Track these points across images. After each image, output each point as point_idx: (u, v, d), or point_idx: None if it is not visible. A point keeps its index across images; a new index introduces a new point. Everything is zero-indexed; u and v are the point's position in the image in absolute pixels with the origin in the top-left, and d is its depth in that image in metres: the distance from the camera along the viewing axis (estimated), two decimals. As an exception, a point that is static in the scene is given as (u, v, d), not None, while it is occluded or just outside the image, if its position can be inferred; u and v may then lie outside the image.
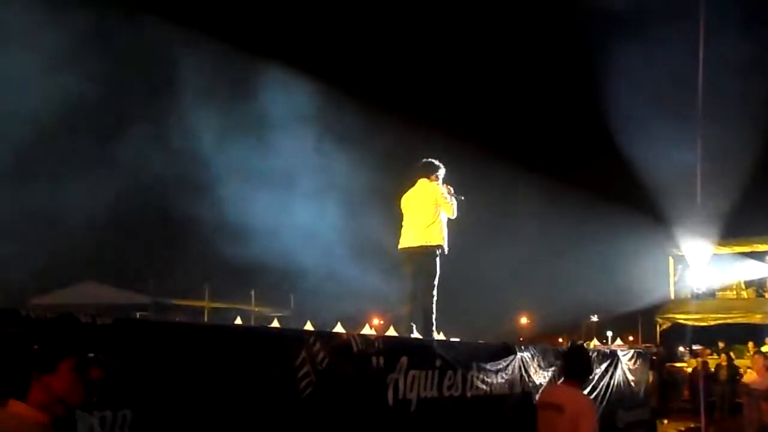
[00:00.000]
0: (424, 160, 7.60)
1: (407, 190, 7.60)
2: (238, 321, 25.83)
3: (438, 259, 7.27)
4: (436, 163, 7.55)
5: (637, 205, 30.66)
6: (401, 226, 7.53)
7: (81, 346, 2.64)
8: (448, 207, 7.29)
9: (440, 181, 7.51)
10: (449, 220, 7.43)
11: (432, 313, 7.25)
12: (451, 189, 7.49)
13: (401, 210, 7.56)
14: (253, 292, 27.63)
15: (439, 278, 7.28)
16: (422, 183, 7.45)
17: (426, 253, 7.22)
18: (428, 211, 7.22)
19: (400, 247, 7.46)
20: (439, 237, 7.26)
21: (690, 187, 26.23)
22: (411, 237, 7.30)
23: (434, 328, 7.29)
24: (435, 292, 7.26)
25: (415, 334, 7.15)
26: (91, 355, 2.69)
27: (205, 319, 24.13)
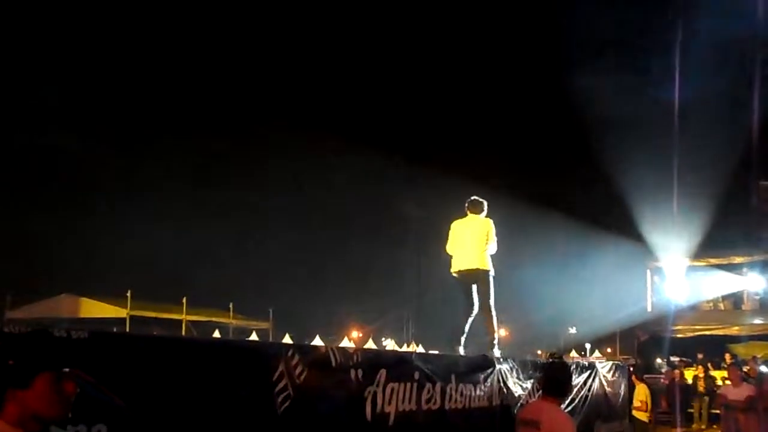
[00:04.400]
0: (473, 197, 8.74)
1: (456, 220, 8.75)
2: (217, 334, 25.67)
3: (492, 281, 8.47)
4: (483, 200, 8.72)
5: (616, 219, 30.92)
6: (451, 251, 8.63)
7: (56, 361, 2.62)
8: (494, 244, 8.55)
9: (485, 215, 8.67)
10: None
11: (495, 327, 8.54)
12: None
13: (451, 236, 8.67)
14: (231, 305, 27.47)
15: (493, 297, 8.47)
16: (475, 217, 8.61)
17: (485, 275, 8.41)
18: (482, 241, 8.43)
19: (456, 269, 8.54)
20: (491, 263, 8.49)
21: (667, 202, 26.57)
22: (469, 260, 8.42)
23: (497, 338, 8.57)
24: (494, 310, 8.47)
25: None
26: (67, 369, 2.66)
27: (183, 332, 23.93)
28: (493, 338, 8.42)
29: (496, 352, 8.14)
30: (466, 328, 8.43)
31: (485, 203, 8.73)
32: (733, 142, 27.41)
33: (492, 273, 8.50)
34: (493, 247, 8.55)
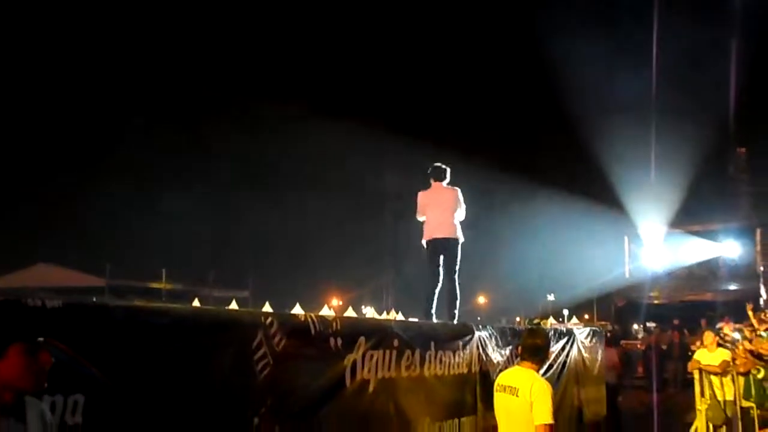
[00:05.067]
0: (435, 164, 8.66)
1: (421, 191, 8.65)
2: (196, 303, 25.65)
3: (460, 250, 8.42)
4: (445, 167, 8.64)
5: (594, 186, 31.08)
6: (422, 221, 8.56)
7: (30, 331, 2.59)
8: (463, 210, 8.52)
9: (447, 181, 8.63)
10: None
11: (458, 296, 8.45)
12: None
13: (419, 208, 8.59)
14: (211, 274, 27.44)
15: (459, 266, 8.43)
16: (439, 186, 8.56)
17: (454, 243, 8.37)
18: (451, 209, 8.39)
19: (426, 238, 8.45)
20: (461, 232, 8.45)
21: (645, 170, 26.76)
22: (439, 229, 8.36)
23: (458, 307, 8.46)
24: (458, 279, 8.41)
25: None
26: (41, 339, 2.63)
27: (162, 302, 23.88)
28: (455, 306, 8.39)
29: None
30: (435, 298, 8.38)
31: (448, 169, 8.65)
32: (710, 110, 27.58)
33: (461, 241, 8.46)
34: (461, 214, 8.52)
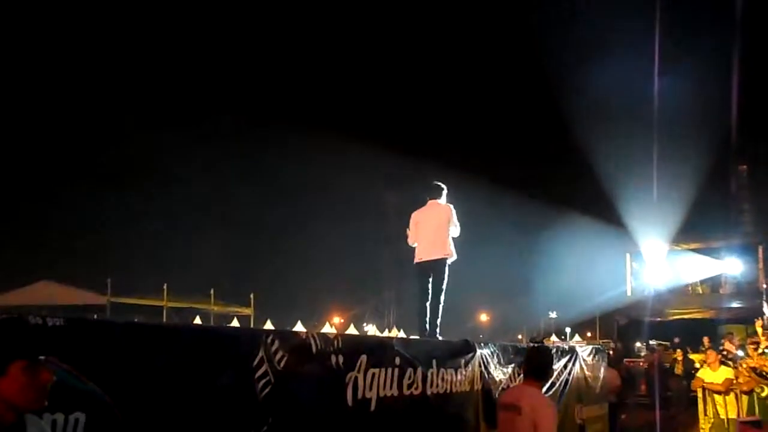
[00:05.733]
0: (434, 182, 8.73)
1: (417, 209, 8.72)
2: (198, 320, 25.60)
3: (448, 268, 8.41)
4: (442, 185, 8.69)
5: (596, 205, 31.12)
6: (413, 241, 8.60)
7: (31, 349, 2.58)
8: (457, 227, 8.49)
9: (444, 199, 8.65)
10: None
11: (439, 315, 8.39)
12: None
13: (412, 226, 8.62)
14: (212, 291, 27.38)
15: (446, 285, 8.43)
16: (434, 204, 8.59)
17: (441, 262, 8.36)
18: (443, 228, 8.36)
19: (417, 260, 8.48)
20: (452, 250, 8.42)
21: (647, 187, 26.77)
22: (429, 251, 8.38)
23: (438, 328, 8.41)
24: (443, 297, 8.38)
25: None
26: (42, 357, 2.63)
27: (164, 319, 23.83)
28: (436, 325, 8.37)
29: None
30: (428, 318, 8.38)
31: (444, 188, 8.69)
32: (712, 128, 27.64)
33: (452, 259, 8.45)
34: (456, 231, 8.51)
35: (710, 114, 27.71)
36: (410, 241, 8.66)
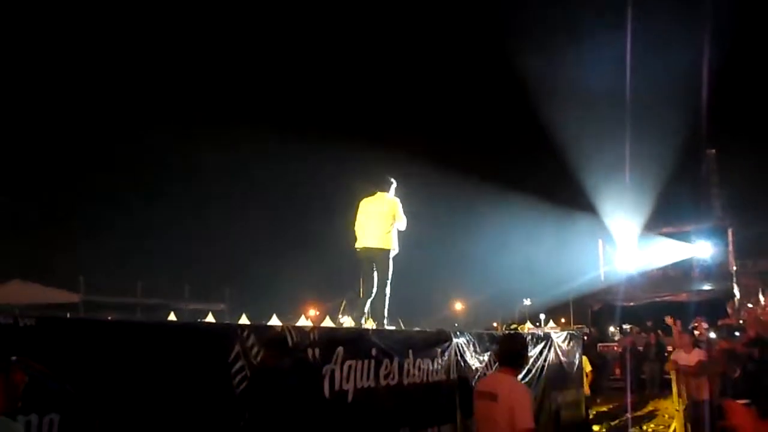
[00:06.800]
0: (385, 175, 8.80)
1: (365, 197, 8.75)
2: (172, 317, 25.43)
3: (391, 261, 8.46)
4: (392, 179, 8.76)
5: (568, 191, 31.31)
6: (357, 228, 8.62)
7: (3, 349, 2.56)
8: (403, 221, 8.56)
9: (393, 193, 8.72)
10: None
11: (386, 305, 8.38)
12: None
13: (358, 214, 8.65)
14: (186, 287, 27.21)
15: (391, 276, 8.46)
16: (382, 195, 8.66)
17: (384, 254, 8.41)
18: (387, 220, 8.44)
19: (359, 246, 8.51)
20: (395, 243, 8.52)
21: (618, 173, 26.99)
22: (371, 239, 8.42)
23: (386, 318, 8.41)
24: (388, 289, 8.39)
25: (367, 324, 8.02)
26: (14, 358, 2.60)
27: (138, 317, 23.65)
28: (383, 318, 8.38)
29: None
30: (366, 308, 8.39)
31: (394, 182, 8.77)
32: (682, 112, 27.91)
33: (394, 253, 8.53)
34: (401, 225, 8.58)
35: (680, 98, 27.99)
36: (355, 227, 8.73)
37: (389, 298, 8.42)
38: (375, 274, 8.37)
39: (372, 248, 8.40)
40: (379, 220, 8.46)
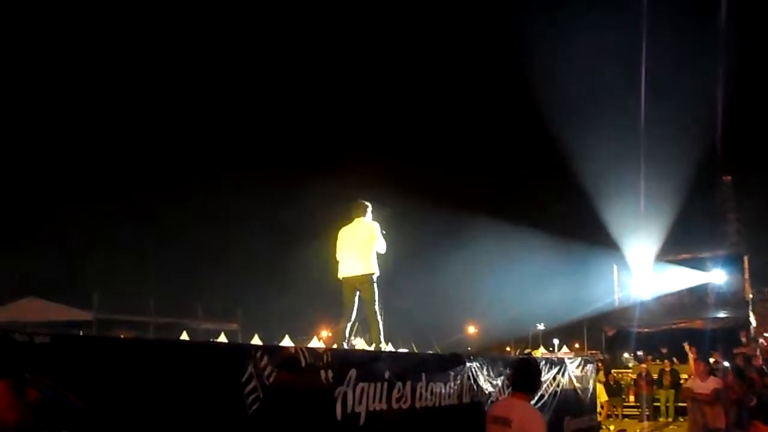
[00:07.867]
0: (358, 200, 8.83)
1: (343, 226, 8.78)
2: (185, 336, 25.44)
3: (376, 284, 8.45)
4: (367, 203, 8.80)
5: (584, 217, 31.26)
6: (338, 257, 8.64)
7: (17, 366, 2.56)
8: (382, 244, 8.57)
9: (370, 217, 8.77)
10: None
11: (380, 329, 8.40)
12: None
13: (338, 242, 8.69)
14: (200, 306, 27.23)
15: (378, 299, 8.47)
16: (359, 221, 8.69)
17: (368, 280, 8.39)
18: (368, 245, 8.47)
19: (341, 275, 8.54)
20: (376, 267, 8.51)
21: (634, 200, 26.94)
22: (352, 267, 8.46)
23: (382, 339, 8.47)
24: (380, 313, 8.41)
25: (359, 345, 7.93)
26: (28, 375, 2.60)
27: (151, 335, 23.67)
28: (379, 344, 8.44)
29: None
30: (347, 333, 8.46)
31: (369, 206, 8.80)
32: (697, 140, 27.86)
33: (376, 275, 8.53)
34: (381, 247, 8.59)
35: (695, 126, 27.96)
36: (336, 256, 8.75)
37: (382, 320, 8.43)
38: (357, 300, 8.42)
39: (355, 276, 8.43)
40: (359, 247, 8.51)
